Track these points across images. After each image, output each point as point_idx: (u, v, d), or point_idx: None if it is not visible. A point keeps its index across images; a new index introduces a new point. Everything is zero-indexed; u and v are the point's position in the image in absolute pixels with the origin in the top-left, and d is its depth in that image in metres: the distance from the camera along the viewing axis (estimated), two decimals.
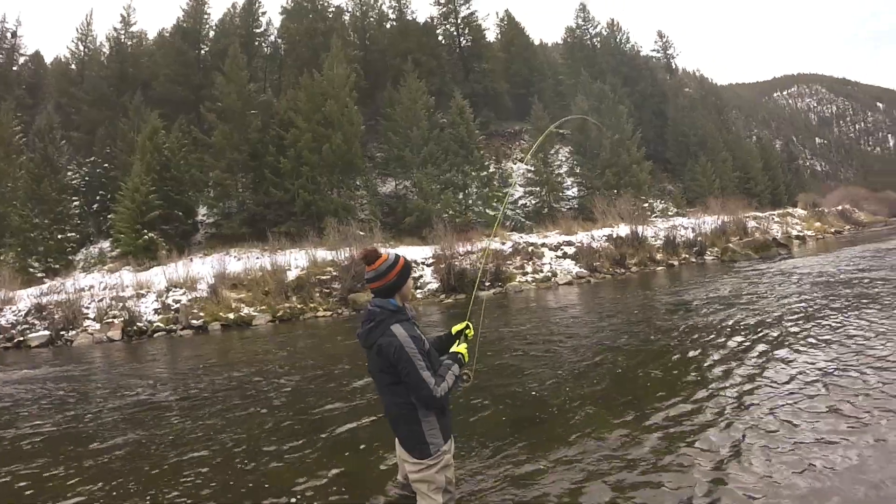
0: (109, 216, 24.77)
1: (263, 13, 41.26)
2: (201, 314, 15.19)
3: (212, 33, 38.45)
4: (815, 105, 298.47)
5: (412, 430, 3.40)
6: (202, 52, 36.28)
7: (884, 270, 13.96)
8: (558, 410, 5.64)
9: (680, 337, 8.60)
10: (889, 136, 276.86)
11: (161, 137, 25.65)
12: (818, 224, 39.71)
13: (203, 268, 18.10)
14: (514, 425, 5.35)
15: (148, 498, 4.28)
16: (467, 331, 3.71)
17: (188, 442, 5.45)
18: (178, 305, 15.64)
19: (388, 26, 44.90)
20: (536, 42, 57.78)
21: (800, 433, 4.44)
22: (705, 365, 6.90)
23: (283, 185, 25.83)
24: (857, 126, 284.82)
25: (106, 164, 28.38)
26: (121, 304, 15.51)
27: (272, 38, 41.23)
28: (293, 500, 4.18)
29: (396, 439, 3.56)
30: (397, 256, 3.53)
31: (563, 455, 4.53)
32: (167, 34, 38.37)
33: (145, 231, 22.49)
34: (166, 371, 9.62)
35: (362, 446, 5.14)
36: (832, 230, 39.58)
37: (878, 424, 4.40)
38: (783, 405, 5.11)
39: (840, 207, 52.80)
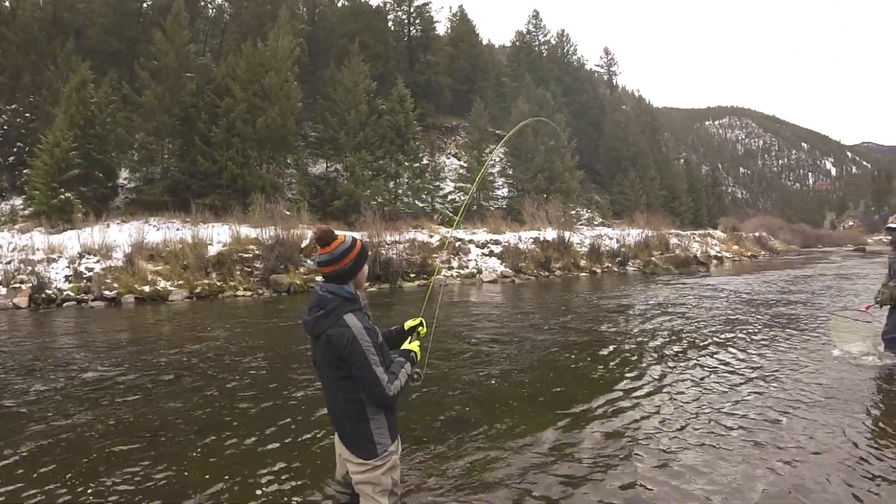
0: (25, 171, 22.87)
1: None
2: (115, 285, 14.51)
3: None
4: (744, 137, 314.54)
5: (359, 428, 3.15)
6: (144, 4, 34.16)
7: (801, 294, 15.02)
8: (490, 408, 5.77)
9: (605, 337, 9.20)
10: (809, 174, 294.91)
11: (89, 91, 24.06)
12: (736, 247, 42.03)
13: (120, 235, 17.26)
14: (447, 423, 5.40)
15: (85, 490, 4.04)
16: (420, 328, 3.50)
17: (112, 432, 5.18)
18: (90, 274, 14.87)
19: (339, 4, 44.20)
20: (485, 41, 57.98)
21: (722, 422, 4.89)
22: (630, 362, 7.46)
23: (211, 154, 24.79)
24: (780, 161, 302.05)
25: (28, 114, 26.02)
26: (30, 269, 14.55)
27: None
28: (224, 496, 3.99)
29: (336, 436, 3.30)
30: (354, 240, 3.22)
31: (499, 450, 4.61)
32: None
33: (62, 190, 20.97)
34: (77, 349, 9.01)
35: (300, 439, 4.99)
36: (749, 254, 42.10)
37: (786, 421, 4.93)
38: (702, 399, 5.71)
39: (757, 234, 55.87)
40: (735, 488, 3.70)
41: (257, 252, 17.91)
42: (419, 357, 3.34)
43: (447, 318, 11.58)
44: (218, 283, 16.12)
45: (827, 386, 6.07)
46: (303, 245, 19.13)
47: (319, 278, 3.20)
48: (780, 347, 7.99)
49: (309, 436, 5.01)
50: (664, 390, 6.08)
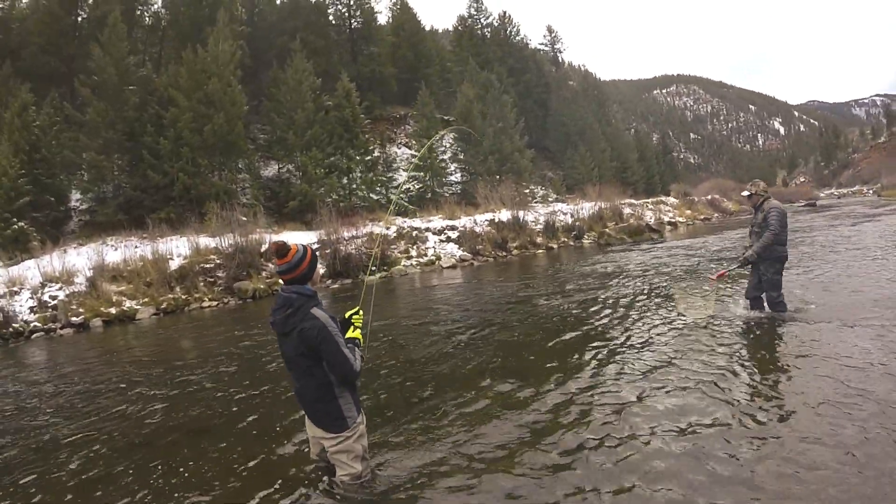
0: None
1: None
2: (81, 310, 14.46)
3: None
4: (692, 104, 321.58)
5: (329, 408, 3.70)
6: (79, 18, 32.98)
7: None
8: (451, 386, 6.18)
9: (561, 312, 9.74)
10: (759, 134, 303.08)
11: (31, 114, 23.56)
12: (689, 212, 43.07)
13: (79, 259, 17.07)
14: (408, 402, 5.81)
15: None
16: (355, 316, 4.00)
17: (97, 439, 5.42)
18: (55, 302, 14.71)
19: (277, 2, 43.82)
20: (427, 28, 58.05)
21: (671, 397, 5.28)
22: (583, 335, 7.96)
23: (161, 167, 24.62)
24: (729, 125, 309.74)
25: None
26: None
27: (155, 6, 38.28)
28: (215, 493, 4.27)
29: (307, 419, 3.87)
30: (305, 248, 3.80)
31: (462, 426, 4.98)
32: None
33: (14, 220, 20.61)
34: (53, 380, 8.94)
35: (273, 433, 5.33)
36: (702, 217, 43.24)
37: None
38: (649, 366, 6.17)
39: (709, 197, 57.06)
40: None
41: (218, 261, 17.91)
42: (362, 342, 3.92)
43: (411, 307, 12.18)
44: (183, 297, 16.14)
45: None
46: (262, 249, 19.32)
47: (281, 281, 3.79)
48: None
49: (285, 424, 5.47)
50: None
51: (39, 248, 18.26)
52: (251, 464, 4.68)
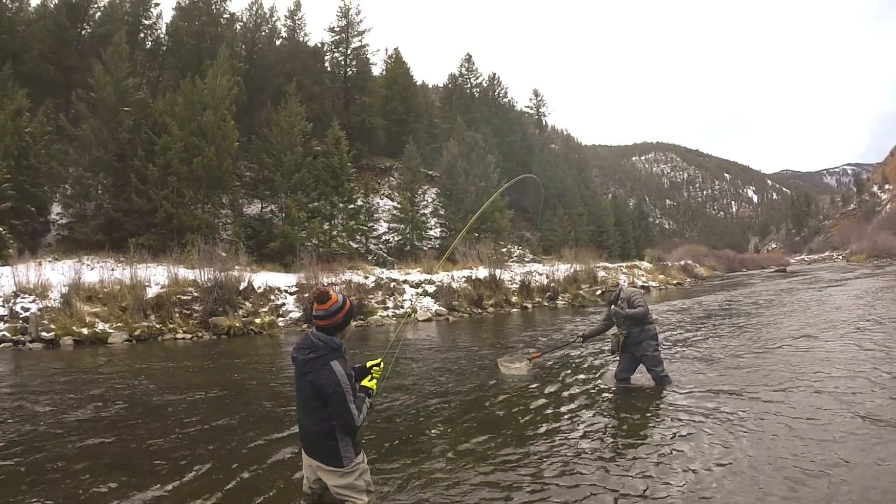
0: None
1: (157, 4, 38.60)
2: (52, 326, 14.24)
3: (98, 14, 35.14)
4: (669, 171, 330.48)
5: (329, 445, 3.84)
6: (84, 32, 33.37)
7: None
8: (429, 434, 6.41)
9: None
10: (732, 202, 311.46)
11: (25, 120, 23.35)
12: (662, 276, 43.91)
13: (53, 274, 16.80)
14: (402, 441, 6.08)
15: None
16: (375, 368, 4.20)
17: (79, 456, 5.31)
18: (27, 314, 14.50)
19: (278, 43, 44.40)
20: (419, 82, 59.36)
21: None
22: (556, 393, 8.20)
23: (147, 193, 24.46)
24: (704, 192, 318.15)
25: None
26: None
27: (159, 32, 38.89)
28: None
29: (304, 454, 4.01)
30: (345, 299, 3.95)
31: (444, 469, 5.20)
32: (51, 4, 34.00)
33: None
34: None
35: (265, 464, 5.47)
36: (674, 282, 44.03)
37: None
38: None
39: (683, 262, 58.31)
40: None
41: (196, 294, 17.81)
42: (375, 392, 4.10)
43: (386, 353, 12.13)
44: (157, 326, 15.96)
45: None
46: (241, 287, 19.28)
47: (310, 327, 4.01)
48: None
49: (272, 461, 5.56)
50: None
51: (16, 257, 17.94)
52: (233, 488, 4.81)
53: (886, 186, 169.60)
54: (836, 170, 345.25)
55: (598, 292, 8.55)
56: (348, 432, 3.83)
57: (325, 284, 21.13)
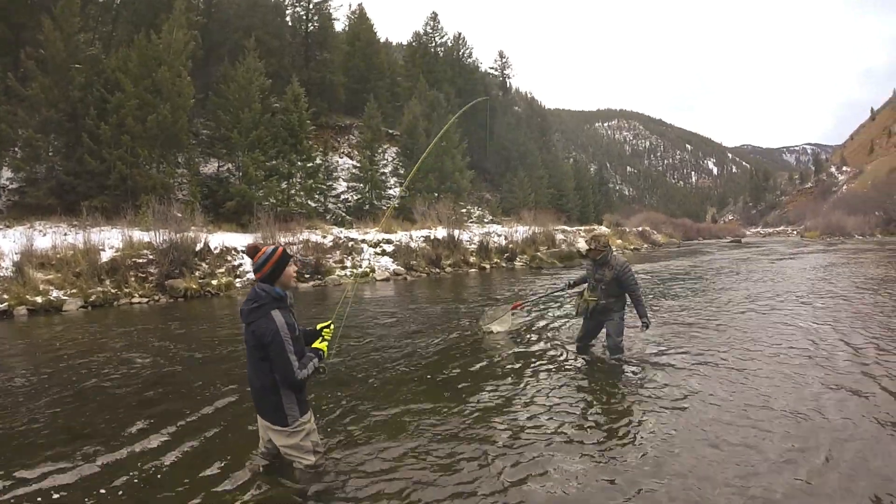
0: None
1: None
2: (5, 296, 13.99)
3: None
4: (632, 138, 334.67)
5: (273, 400, 3.91)
6: None
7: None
8: (384, 392, 6.58)
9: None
10: (693, 172, 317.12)
11: None
12: (619, 241, 44.88)
13: (4, 242, 16.52)
14: (345, 408, 6.06)
15: None
16: (325, 330, 4.26)
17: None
18: None
19: None
20: (382, 39, 58.53)
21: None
22: (507, 353, 8.54)
23: (99, 153, 23.76)
24: (665, 161, 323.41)
25: None
26: None
27: None
28: (158, 476, 4.43)
29: (258, 414, 4.09)
30: (275, 249, 4.01)
31: (393, 430, 5.30)
32: None
33: None
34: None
35: (223, 423, 5.58)
36: (632, 247, 45.24)
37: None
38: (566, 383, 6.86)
39: (640, 228, 59.66)
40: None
41: (151, 257, 17.72)
42: (326, 355, 4.13)
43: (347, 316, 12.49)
44: (112, 291, 15.88)
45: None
46: (197, 248, 19.30)
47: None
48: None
49: (226, 423, 5.64)
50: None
51: None
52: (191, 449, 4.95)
53: (844, 168, 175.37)
54: (796, 148, 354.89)
55: (585, 249, 8.49)
56: (288, 385, 3.88)
57: (283, 244, 21.35)
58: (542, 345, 8.94)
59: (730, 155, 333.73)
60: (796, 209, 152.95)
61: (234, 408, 6.13)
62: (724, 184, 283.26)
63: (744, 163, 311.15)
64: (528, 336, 9.68)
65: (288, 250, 4.27)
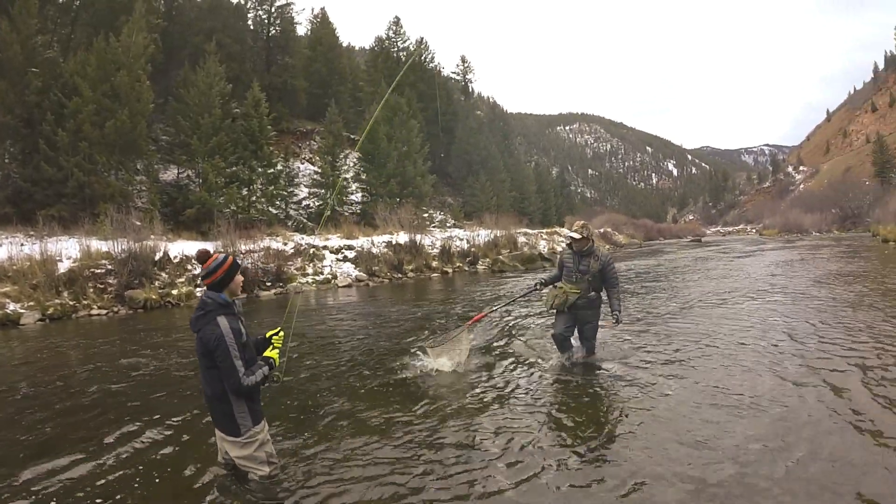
0: None
1: None
2: None
3: None
4: (593, 141, 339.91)
5: (224, 409, 3.89)
6: None
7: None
8: (342, 400, 6.63)
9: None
10: (653, 174, 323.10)
11: None
12: None
13: None
14: (312, 411, 6.22)
15: None
16: (275, 337, 4.23)
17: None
18: None
19: None
20: (345, 44, 58.50)
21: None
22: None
23: (56, 160, 23.21)
24: (626, 163, 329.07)
25: None
26: None
27: None
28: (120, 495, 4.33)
29: (214, 426, 4.08)
30: (226, 256, 4.04)
31: (353, 437, 5.38)
32: None
33: None
34: None
35: (184, 438, 5.58)
36: None
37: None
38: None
39: (602, 229, 60.67)
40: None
41: (110, 267, 17.55)
42: (277, 363, 4.11)
43: (306, 322, 12.67)
44: (71, 303, 15.73)
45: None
46: (157, 258, 19.24)
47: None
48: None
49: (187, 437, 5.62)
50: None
51: None
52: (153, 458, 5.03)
53: (801, 168, 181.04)
54: (754, 149, 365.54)
55: (568, 241, 7.94)
56: (235, 391, 3.84)
57: (243, 252, 21.48)
58: (506, 342, 9.37)
59: (689, 157, 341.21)
60: (755, 208, 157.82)
61: (196, 421, 6.16)
62: (685, 185, 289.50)
63: (703, 164, 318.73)
64: (500, 336, 10.09)
65: (239, 260, 4.42)
